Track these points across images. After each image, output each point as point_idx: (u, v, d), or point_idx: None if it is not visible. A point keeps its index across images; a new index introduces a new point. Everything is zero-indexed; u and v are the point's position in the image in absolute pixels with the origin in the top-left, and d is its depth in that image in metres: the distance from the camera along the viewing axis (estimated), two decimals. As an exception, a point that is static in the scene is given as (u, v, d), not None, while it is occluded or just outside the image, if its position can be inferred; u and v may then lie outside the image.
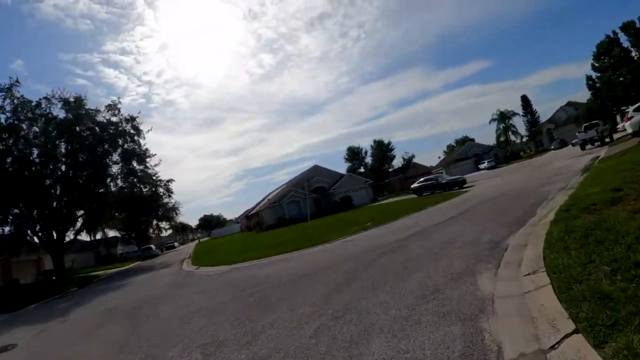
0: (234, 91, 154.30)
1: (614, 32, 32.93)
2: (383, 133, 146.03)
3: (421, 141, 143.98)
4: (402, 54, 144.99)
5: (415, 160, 73.76)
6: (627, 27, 30.09)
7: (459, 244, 8.79)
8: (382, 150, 71.36)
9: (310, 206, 54.07)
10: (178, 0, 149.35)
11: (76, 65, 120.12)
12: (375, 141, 72.21)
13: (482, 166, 67.01)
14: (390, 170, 75.45)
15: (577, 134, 33.56)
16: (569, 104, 76.24)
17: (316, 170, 55.98)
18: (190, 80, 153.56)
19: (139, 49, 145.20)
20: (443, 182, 31.19)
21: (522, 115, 76.93)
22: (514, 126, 75.43)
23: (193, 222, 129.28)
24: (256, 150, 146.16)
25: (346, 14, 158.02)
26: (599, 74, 35.96)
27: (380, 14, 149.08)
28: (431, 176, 36.00)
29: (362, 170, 75.14)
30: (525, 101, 76.92)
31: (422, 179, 34.59)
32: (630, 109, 19.19)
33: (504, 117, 75.62)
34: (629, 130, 19.18)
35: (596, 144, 32.85)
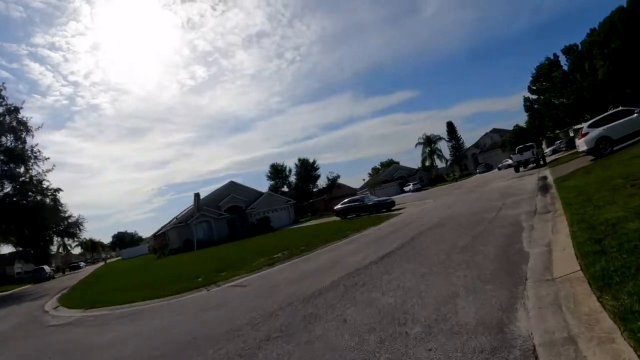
0: (163, 101, 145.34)
1: (554, 54, 31.86)
2: (310, 154, 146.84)
3: (347, 164, 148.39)
4: (333, 79, 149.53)
5: (340, 181, 70.64)
6: (569, 50, 28.78)
7: (417, 326, 4.14)
8: (307, 169, 67.35)
9: (223, 228, 48.37)
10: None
11: (1, 55, 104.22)
12: (300, 159, 68.41)
13: (407, 188, 65.44)
14: (314, 190, 71.49)
15: (511, 155, 31.75)
16: (494, 130, 78.14)
17: (232, 187, 50.15)
18: (119, 86, 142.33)
19: (69, 46, 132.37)
20: (369, 203, 27.23)
21: (447, 140, 77.52)
22: (439, 150, 75.58)
23: (108, 240, 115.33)
24: (181, 164, 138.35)
25: (284, 35, 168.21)
26: (536, 97, 34.68)
27: (316, 39, 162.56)
28: (356, 197, 32.00)
29: (285, 189, 70.36)
30: (451, 127, 77.64)
31: (346, 200, 30.51)
32: (585, 125, 16.29)
33: (429, 141, 75.43)
34: (583, 148, 16.17)
35: (530, 165, 31.11)
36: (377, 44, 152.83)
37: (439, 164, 78.33)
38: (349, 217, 28.09)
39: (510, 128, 61.48)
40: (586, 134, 17.03)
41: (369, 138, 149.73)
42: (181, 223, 45.05)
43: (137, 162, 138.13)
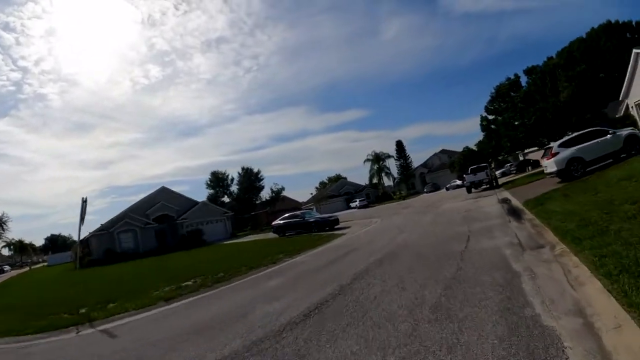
0: (113, 97, 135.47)
1: (516, 74, 30.72)
2: (259, 164, 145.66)
3: (297, 177, 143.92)
4: (289, 92, 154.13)
5: (286, 194, 67.31)
6: (531, 71, 27.62)
7: None
8: (250, 179, 63.33)
9: (150, 238, 43.20)
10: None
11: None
12: (243, 168, 64.26)
13: (353, 204, 63.26)
14: (258, 202, 67.62)
15: (464, 175, 29.96)
16: (443, 151, 78.23)
17: (164, 193, 45.25)
18: (69, 76, 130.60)
19: (23, 29, 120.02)
20: (311, 220, 24.12)
21: (396, 159, 76.58)
22: (387, 168, 74.26)
23: (41, 242, 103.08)
24: (126, 166, 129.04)
25: (244, 43, 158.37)
26: (493, 117, 33.13)
27: (276, 50, 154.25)
28: (297, 212, 28.62)
29: (226, 199, 65.88)
30: (400, 146, 76.95)
31: (286, 215, 27.23)
32: (555, 144, 14.15)
33: (378, 159, 73.98)
34: (552, 169, 13.96)
35: (483, 186, 29.47)
36: (335, 61, 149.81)
37: (387, 181, 77.25)
38: (287, 234, 24.82)
39: (459, 150, 61.31)
40: (556, 153, 14.98)
41: (321, 153, 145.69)
42: (103, 230, 39.64)
43: (80, 160, 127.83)
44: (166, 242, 41.95)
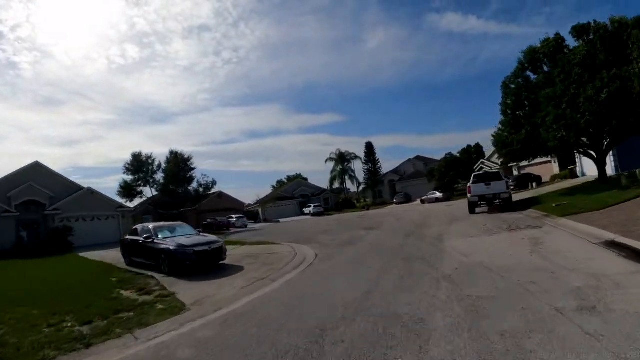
0: (86, 74, 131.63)
1: (558, 34, 19.74)
2: (228, 159, 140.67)
3: (263, 175, 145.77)
4: (266, 89, 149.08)
5: (236, 191, 54.37)
6: (584, 31, 17.14)
7: None
8: (179, 166, 50.18)
9: (9, 232, 29.17)
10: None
11: None
12: (171, 152, 51.21)
13: (307, 210, 51.43)
14: (190, 196, 54.61)
15: (470, 186, 18.10)
16: (418, 157, 67.46)
17: (36, 171, 31.65)
18: (44, 47, 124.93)
19: None
20: (162, 247, 10.96)
21: (364, 162, 65.24)
22: (352, 171, 62.88)
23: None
24: (93, 146, 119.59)
25: (226, 34, 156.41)
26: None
27: (257, 45, 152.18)
28: (148, 226, 13.88)
29: (151, 192, 52.48)
30: (369, 148, 65.37)
31: (137, 228, 13.82)
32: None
33: (343, 159, 62.46)
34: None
35: (496, 203, 18.01)
36: (316, 64, 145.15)
37: (351, 186, 65.79)
38: (135, 259, 12.27)
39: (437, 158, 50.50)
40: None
41: (291, 153, 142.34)
42: None
43: (46, 136, 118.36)
44: (34, 237, 28.98)
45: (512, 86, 21.08)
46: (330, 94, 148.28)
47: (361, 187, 66.01)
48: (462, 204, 31.71)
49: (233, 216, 43.88)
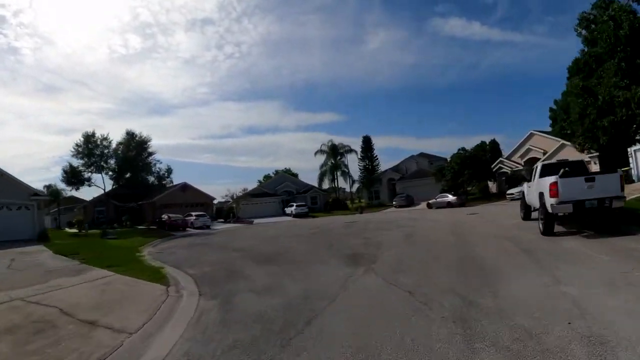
0: (87, 63, 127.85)
1: None
2: (226, 154, 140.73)
3: (260, 171, 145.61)
4: (266, 85, 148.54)
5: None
6: None
7: None
8: (135, 149, 41.25)
9: None
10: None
11: None
12: (128, 132, 42.56)
13: (289, 209, 42.77)
14: (155, 187, 45.88)
15: (555, 181, 9.26)
16: (422, 155, 58.93)
17: None
18: (46, 34, 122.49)
19: None
20: None
21: (360, 158, 56.59)
22: (346, 166, 54.00)
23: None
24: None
25: (229, 29, 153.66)
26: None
27: (260, 41, 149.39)
28: None
29: (105, 179, 43.72)
30: (367, 142, 56.70)
31: None
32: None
33: (335, 152, 53.57)
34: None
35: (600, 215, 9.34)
36: (317, 62, 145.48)
37: (344, 184, 57.03)
38: None
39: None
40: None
41: (287, 150, 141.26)
42: None
43: (44, 123, 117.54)
44: None
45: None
46: (329, 93, 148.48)
47: (355, 186, 57.39)
48: (488, 212, 23.34)
49: (193, 214, 35.20)
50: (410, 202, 42.45)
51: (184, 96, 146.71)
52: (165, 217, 34.18)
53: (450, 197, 35.00)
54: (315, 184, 53.99)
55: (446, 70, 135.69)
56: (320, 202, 50.47)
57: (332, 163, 52.65)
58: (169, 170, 43.95)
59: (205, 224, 34.07)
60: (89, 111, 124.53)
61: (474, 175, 39.22)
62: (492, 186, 42.55)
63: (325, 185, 54.93)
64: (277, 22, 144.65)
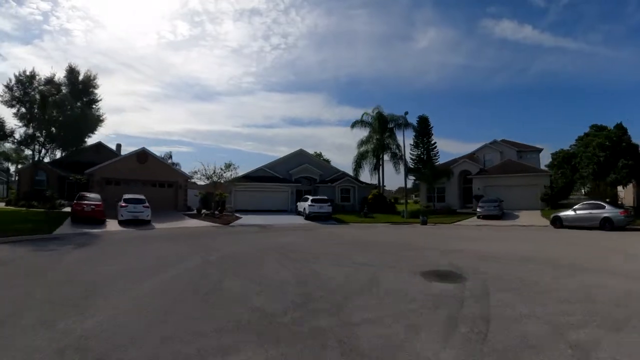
0: (136, 47, 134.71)
1: None
2: (267, 143, 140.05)
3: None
4: (311, 78, 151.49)
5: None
6: None
7: None
8: (72, 88, 25.99)
9: None
10: None
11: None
12: (70, 66, 27.96)
13: (302, 206, 26.89)
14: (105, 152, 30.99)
15: None
16: (507, 142, 40.37)
17: None
18: (97, 17, 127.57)
19: None
20: None
21: (412, 145, 39.59)
22: (397, 146, 36.83)
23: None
24: (136, 116, 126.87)
25: (276, 20, 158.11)
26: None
27: (306, 33, 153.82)
28: None
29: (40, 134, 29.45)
30: (424, 123, 39.67)
31: None
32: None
33: (382, 124, 36.40)
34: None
35: None
36: (362, 58, 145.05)
37: (392, 176, 39.63)
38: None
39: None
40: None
41: (329, 144, 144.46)
42: None
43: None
44: None
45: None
46: (373, 89, 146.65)
47: (412, 180, 40.24)
48: None
49: (125, 197, 20.10)
50: (499, 212, 25.18)
51: (229, 84, 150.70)
52: (83, 202, 19.31)
53: (610, 210, 17.76)
54: (351, 173, 37.17)
55: (495, 74, 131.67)
56: (355, 197, 33.94)
57: (377, 140, 35.78)
58: (99, 118, 28.86)
59: (139, 216, 19.31)
60: (136, 93, 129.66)
61: (635, 171, 21.68)
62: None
63: (365, 174, 38.08)
64: (324, 16, 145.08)
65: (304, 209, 25.51)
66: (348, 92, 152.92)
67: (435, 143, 40.98)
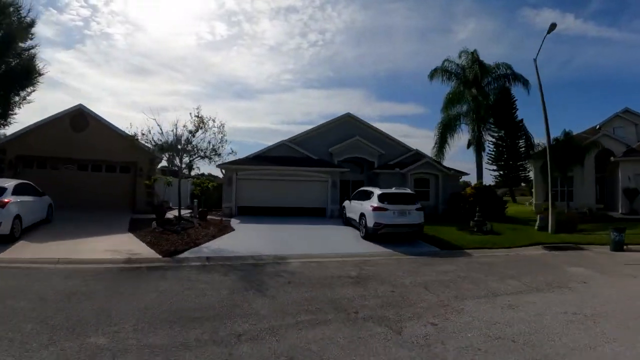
0: (176, 48, 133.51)
1: None
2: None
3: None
4: (349, 74, 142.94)
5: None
6: None
7: None
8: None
9: None
10: None
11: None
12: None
13: (356, 206, 13.67)
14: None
15: None
16: (629, 112, 25.47)
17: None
18: (136, 21, 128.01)
19: None
20: None
21: (493, 130, 25.69)
22: (515, 109, 22.93)
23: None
24: (178, 115, 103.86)
25: (312, 16, 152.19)
26: None
27: (343, 29, 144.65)
28: None
29: None
30: (505, 97, 25.69)
31: None
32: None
33: (476, 75, 22.32)
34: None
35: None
36: (400, 52, 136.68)
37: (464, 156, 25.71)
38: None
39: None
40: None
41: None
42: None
43: (133, 101, 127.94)
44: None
45: None
46: (413, 84, 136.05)
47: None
48: None
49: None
50: None
51: (268, 82, 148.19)
52: None
53: None
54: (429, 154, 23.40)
55: (539, 66, 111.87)
56: (439, 192, 20.53)
57: (475, 99, 21.92)
58: (31, 23, 17.05)
59: None
60: (178, 93, 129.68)
61: None
62: None
63: (449, 147, 24.32)
64: (361, 10, 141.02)
65: (362, 215, 12.35)
66: (388, 88, 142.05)
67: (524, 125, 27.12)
